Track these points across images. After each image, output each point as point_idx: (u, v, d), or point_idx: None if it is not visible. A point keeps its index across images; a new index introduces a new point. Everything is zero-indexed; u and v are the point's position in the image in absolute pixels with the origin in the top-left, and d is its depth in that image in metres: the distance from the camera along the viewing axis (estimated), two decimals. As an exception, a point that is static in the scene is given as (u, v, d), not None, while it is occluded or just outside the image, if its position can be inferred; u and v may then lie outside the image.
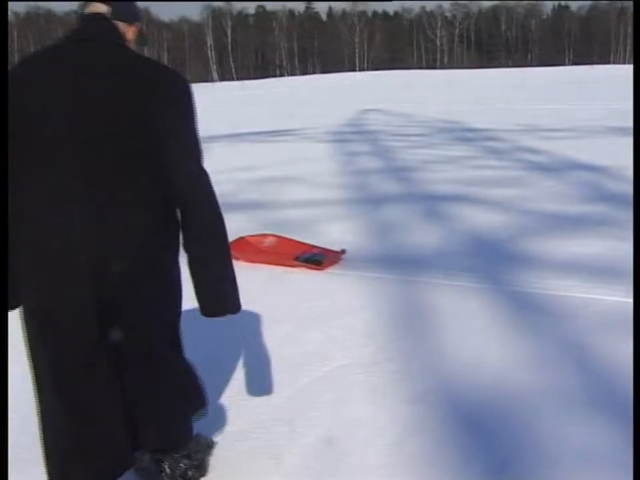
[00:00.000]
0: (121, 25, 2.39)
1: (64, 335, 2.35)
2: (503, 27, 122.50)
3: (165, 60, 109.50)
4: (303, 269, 5.70)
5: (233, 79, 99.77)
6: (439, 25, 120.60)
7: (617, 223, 6.68)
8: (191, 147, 2.38)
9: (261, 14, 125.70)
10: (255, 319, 4.65)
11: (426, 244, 6.39)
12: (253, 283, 5.43)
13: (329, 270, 5.66)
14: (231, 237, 2.71)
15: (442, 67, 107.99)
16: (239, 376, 3.84)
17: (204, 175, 2.40)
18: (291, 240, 6.19)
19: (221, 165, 12.19)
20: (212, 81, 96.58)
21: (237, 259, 4.96)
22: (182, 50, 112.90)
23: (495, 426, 3.20)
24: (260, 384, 3.75)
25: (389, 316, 4.62)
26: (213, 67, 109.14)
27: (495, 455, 2.96)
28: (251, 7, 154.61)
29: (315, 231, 7.02)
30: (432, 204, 8.21)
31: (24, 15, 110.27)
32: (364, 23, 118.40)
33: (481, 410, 3.35)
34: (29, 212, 2.26)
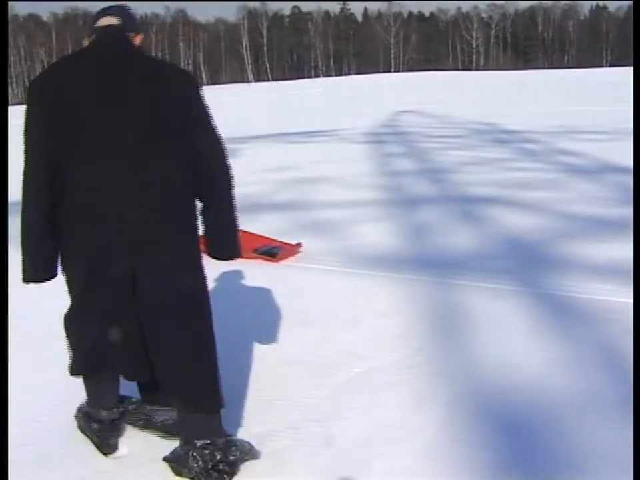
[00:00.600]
0: (131, 35, 2.86)
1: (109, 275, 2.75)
2: (540, 28, 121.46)
3: (200, 60, 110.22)
4: (260, 260, 6.06)
5: (268, 80, 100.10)
6: (475, 26, 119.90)
7: (655, 227, 6.58)
8: (215, 131, 2.83)
9: (296, 15, 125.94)
10: (287, 320, 4.66)
11: (460, 246, 6.36)
12: (286, 284, 5.46)
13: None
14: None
15: (478, 69, 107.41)
16: (271, 377, 3.84)
17: (223, 149, 2.86)
18: (254, 234, 6.38)
19: (255, 166, 12.25)
20: (247, 81, 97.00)
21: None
22: (218, 50, 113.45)
23: (529, 430, 3.17)
24: (293, 385, 3.75)
25: (423, 318, 4.61)
26: (248, 68, 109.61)
27: (530, 460, 2.94)
28: (286, 8, 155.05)
29: (349, 233, 7.02)
30: (466, 206, 8.17)
31: (62, 16, 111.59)
32: (399, 23, 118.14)
33: (515, 414, 3.33)
34: (83, 182, 2.68)
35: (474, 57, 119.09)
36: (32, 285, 2.86)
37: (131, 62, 2.75)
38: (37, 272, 2.82)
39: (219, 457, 2.86)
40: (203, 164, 2.79)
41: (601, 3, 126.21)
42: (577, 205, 7.95)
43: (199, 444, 2.86)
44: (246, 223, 7.60)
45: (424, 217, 7.68)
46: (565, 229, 6.87)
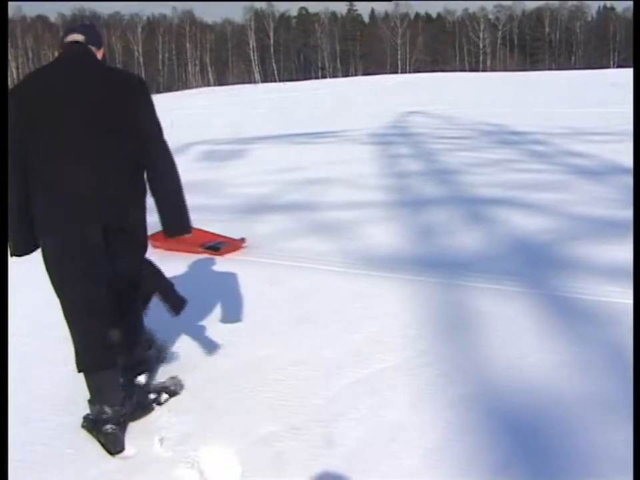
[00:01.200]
0: (93, 49, 3.37)
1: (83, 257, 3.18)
2: (547, 29, 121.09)
3: (207, 61, 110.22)
4: (206, 254, 6.44)
5: (275, 80, 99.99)
6: (482, 27, 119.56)
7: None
8: (158, 123, 3.33)
9: (303, 15, 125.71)
10: (293, 321, 4.67)
11: (466, 247, 6.36)
12: (292, 284, 5.46)
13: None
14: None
15: (484, 70, 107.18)
16: (276, 378, 3.85)
17: (166, 142, 3.35)
18: (202, 230, 6.68)
19: (263, 166, 12.27)
20: (254, 82, 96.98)
21: (156, 247, 5.55)
22: (224, 51, 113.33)
23: (535, 431, 3.17)
24: (298, 386, 3.76)
25: (429, 319, 4.61)
26: (255, 69, 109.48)
27: (535, 460, 2.94)
28: (293, 9, 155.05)
29: (355, 233, 7.03)
30: (473, 207, 8.16)
31: (70, 17, 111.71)
32: (406, 24, 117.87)
33: (522, 414, 3.33)
34: (52, 168, 3.16)
35: (481, 57, 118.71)
36: (17, 259, 3.34)
37: (91, 72, 3.29)
38: (17, 248, 3.31)
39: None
40: (151, 154, 3.29)
41: (608, 4, 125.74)
42: (584, 206, 7.94)
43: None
44: (254, 224, 7.64)
45: (430, 218, 7.68)
46: (571, 230, 6.86)
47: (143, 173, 3.32)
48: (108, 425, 3.22)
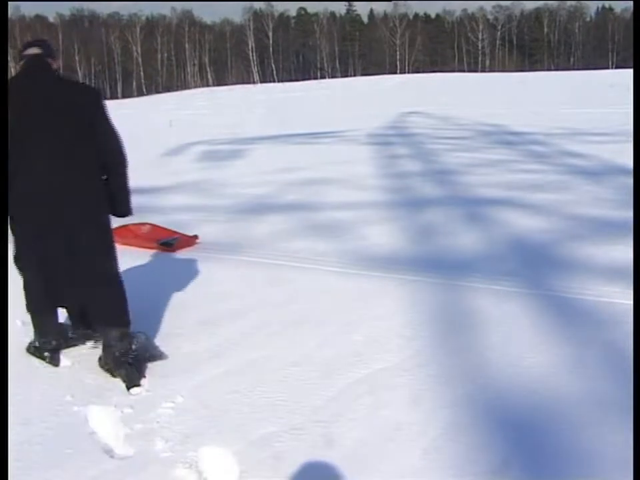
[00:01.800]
0: (50, 60, 3.92)
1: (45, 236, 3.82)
2: (546, 30, 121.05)
3: (206, 61, 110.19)
4: (161, 250, 6.68)
5: (274, 81, 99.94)
6: (481, 27, 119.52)
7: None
8: (112, 126, 3.94)
9: (302, 16, 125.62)
10: (292, 321, 4.68)
11: (466, 248, 6.37)
12: (291, 285, 5.47)
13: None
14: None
15: (483, 70, 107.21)
16: (275, 378, 3.85)
17: (120, 142, 3.97)
18: (160, 227, 7.19)
19: (262, 167, 12.26)
20: (253, 82, 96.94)
21: (117, 242, 5.51)
22: (223, 51, 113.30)
23: (534, 430, 3.18)
24: (296, 386, 3.76)
25: (427, 319, 4.61)
26: (254, 69, 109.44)
27: (533, 461, 2.95)
28: (292, 9, 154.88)
29: (354, 234, 7.03)
30: (473, 208, 8.17)
31: (69, 17, 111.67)
32: (405, 25, 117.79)
33: (519, 415, 3.34)
34: (22, 169, 3.71)
35: (479, 58, 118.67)
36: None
37: (50, 81, 3.85)
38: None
39: (126, 349, 3.91)
40: (107, 152, 3.91)
41: (607, 4, 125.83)
42: (583, 207, 7.95)
43: (113, 343, 3.92)
44: (253, 224, 7.64)
45: (429, 219, 7.69)
46: (570, 230, 6.87)
47: (99, 167, 3.89)
48: (46, 351, 4.10)
